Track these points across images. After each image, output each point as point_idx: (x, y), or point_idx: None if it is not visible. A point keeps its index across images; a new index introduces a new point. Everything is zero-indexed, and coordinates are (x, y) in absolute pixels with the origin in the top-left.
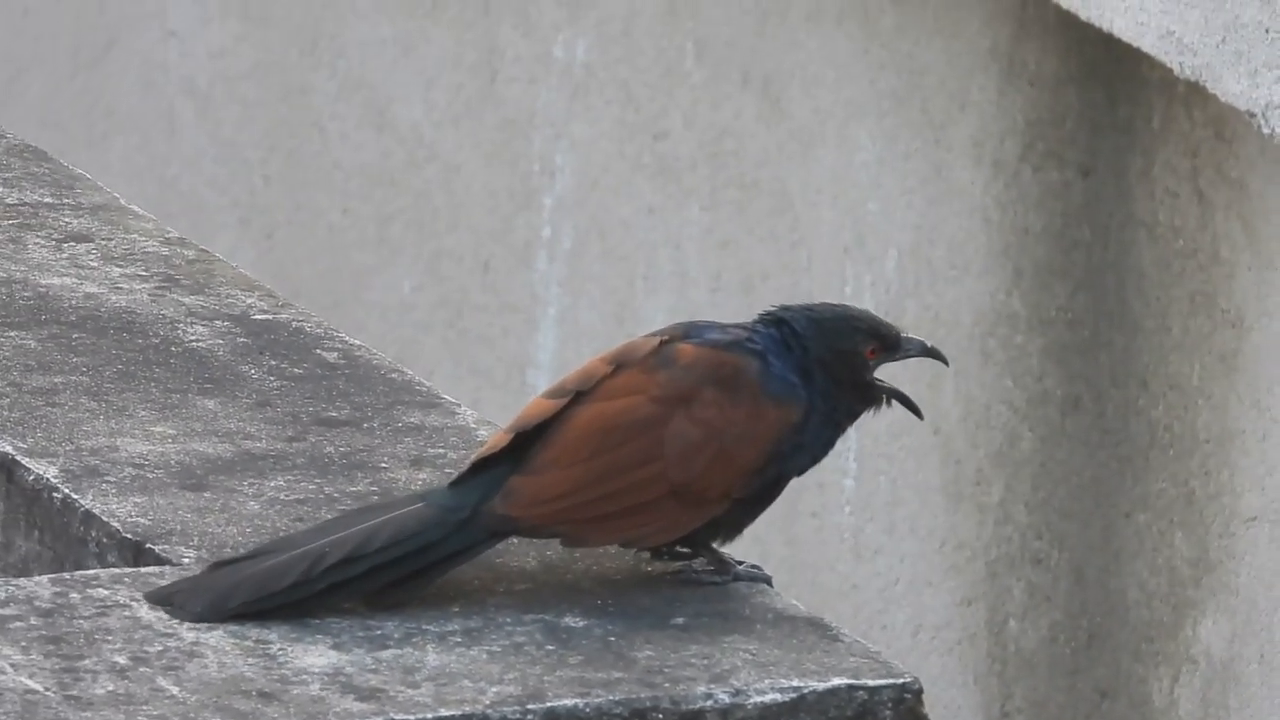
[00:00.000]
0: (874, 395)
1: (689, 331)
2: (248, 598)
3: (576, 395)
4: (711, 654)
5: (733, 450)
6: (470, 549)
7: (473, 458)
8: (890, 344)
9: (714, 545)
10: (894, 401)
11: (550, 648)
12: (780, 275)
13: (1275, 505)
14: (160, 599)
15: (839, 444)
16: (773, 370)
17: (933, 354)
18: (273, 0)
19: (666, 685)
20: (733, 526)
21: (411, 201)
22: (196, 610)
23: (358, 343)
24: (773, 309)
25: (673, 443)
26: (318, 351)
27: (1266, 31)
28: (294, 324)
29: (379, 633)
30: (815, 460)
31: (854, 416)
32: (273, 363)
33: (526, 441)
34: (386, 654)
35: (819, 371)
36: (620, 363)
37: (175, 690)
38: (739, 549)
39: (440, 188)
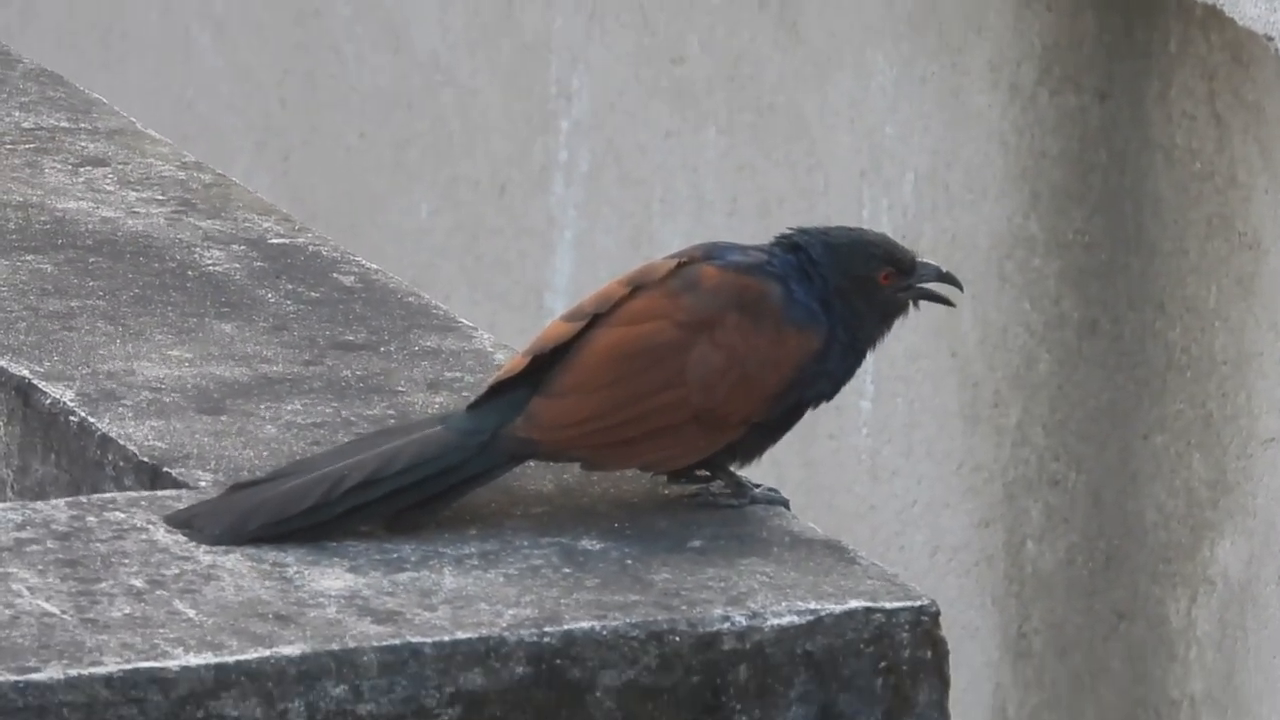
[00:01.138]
0: (895, 309)
1: (709, 253)
2: (266, 520)
3: (595, 318)
4: (728, 577)
5: (755, 376)
6: (489, 472)
7: (490, 381)
8: (905, 269)
9: (731, 469)
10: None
11: (567, 571)
12: (797, 199)
13: None
14: (179, 522)
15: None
16: (795, 296)
17: (948, 279)
18: None
19: (683, 608)
20: (750, 451)
21: (428, 125)
22: (215, 533)
23: (374, 266)
24: (789, 232)
25: (696, 368)
26: (334, 275)
27: None
28: (310, 248)
29: (396, 556)
30: (837, 387)
31: (875, 341)
32: (289, 286)
33: (545, 365)
34: (403, 577)
35: (836, 298)
36: (638, 285)
37: (192, 613)
38: (756, 472)
39: (457, 112)
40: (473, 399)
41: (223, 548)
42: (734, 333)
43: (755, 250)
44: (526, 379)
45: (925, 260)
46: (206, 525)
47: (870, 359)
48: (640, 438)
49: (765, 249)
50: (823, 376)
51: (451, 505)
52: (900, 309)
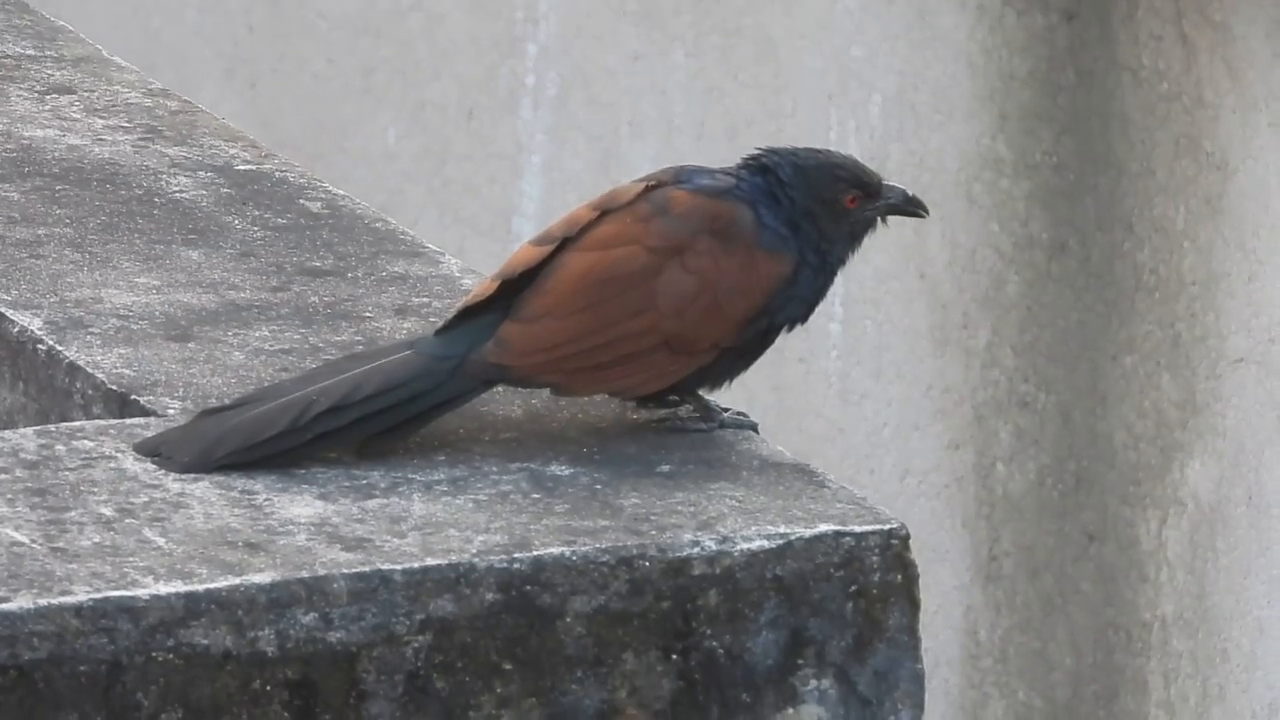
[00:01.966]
0: (862, 229)
1: (678, 176)
2: (235, 447)
3: (564, 242)
4: (698, 501)
5: (724, 301)
6: (459, 397)
7: (459, 305)
8: (871, 191)
9: (700, 393)
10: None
11: (536, 496)
12: (765, 121)
13: (1261, 347)
14: (148, 450)
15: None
16: (765, 221)
17: (913, 203)
18: None
19: (653, 533)
20: (720, 376)
21: (395, 51)
22: (184, 460)
23: (341, 193)
24: (758, 152)
25: (666, 293)
26: (301, 202)
27: None
28: (277, 174)
29: (365, 482)
30: (809, 310)
31: (844, 261)
32: (256, 213)
33: (514, 289)
34: (372, 504)
35: (804, 220)
36: (604, 209)
37: (162, 541)
38: (725, 396)
39: (423, 37)
40: (441, 324)
41: (191, 475)
42: (705, 257)
43: (724, 174)
44: (495, 303)
45: (891, 184)
46: (175, 453)
47: (839, 281)
48: (611, 363)
49: (733, 172)
50: (793, 300)
51: (420, 430)
52: (867, 227)
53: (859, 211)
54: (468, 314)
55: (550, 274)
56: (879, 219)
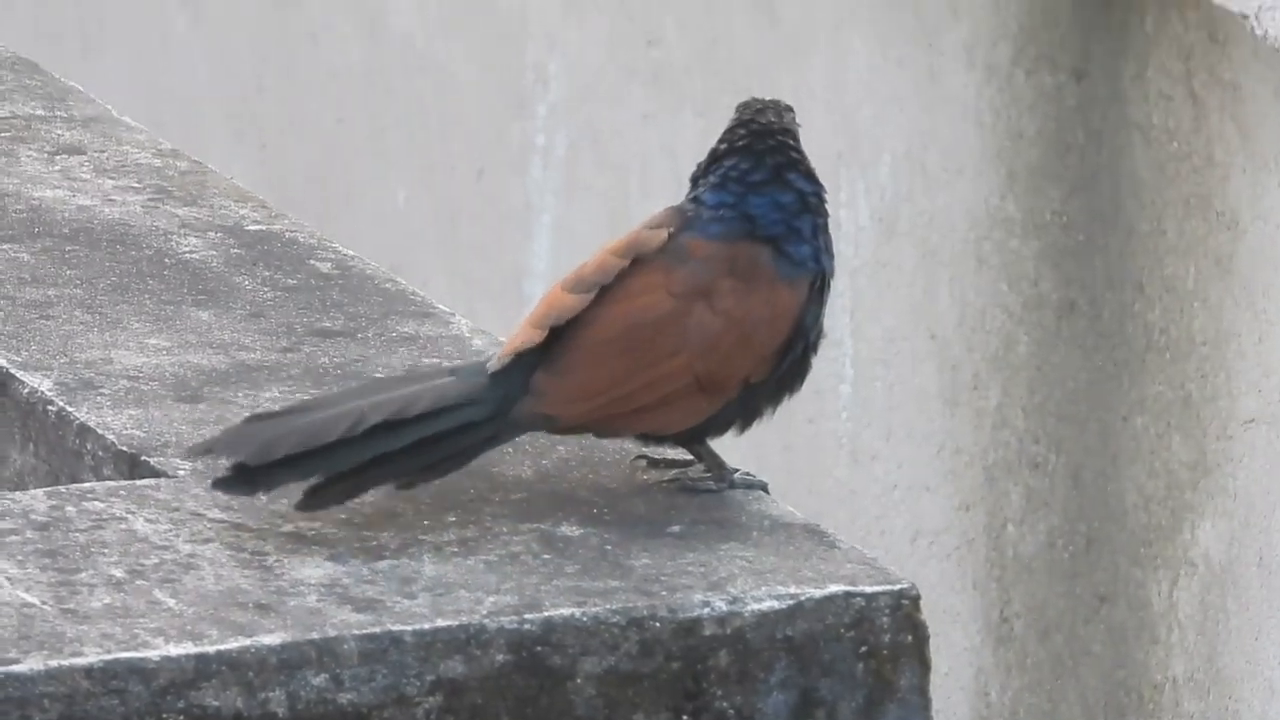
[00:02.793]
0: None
1: (686, 223)
2: (292, 450)
3: (599, 292)
4: (708, 562)
5: (752, 336)
6: (499, 437)
7: (508, 348)
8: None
9: (713, 450)
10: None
11: (547, 557)
12: None
13: (1272, 408)
14: (201, 450)
15: (835, 352)
16: (785, 252)
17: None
18: None
19: (663, 594)
20: (751, 412)
21: (405, 110)
22: (242, 457)
23: (351, 253)
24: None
25: (695, 334)
26: (311, 262)
27: None
28: (288, 234)
29: (375, 543)
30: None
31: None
32: (266, 274)
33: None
34: (383, 564)
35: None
36: (634, 256)
37: (172, 603)
38: (735, 457)
39: (434, 96)
40: (493, 363)
41: (202, 537)
42: (729, 298)
43: (710, 209)
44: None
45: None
46: (231, 451)
47: (849, 342)
48: (649, 405)
49: (701, 199)
50: (820, 313)
51: (464, 467)
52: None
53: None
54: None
55: (583, 326)
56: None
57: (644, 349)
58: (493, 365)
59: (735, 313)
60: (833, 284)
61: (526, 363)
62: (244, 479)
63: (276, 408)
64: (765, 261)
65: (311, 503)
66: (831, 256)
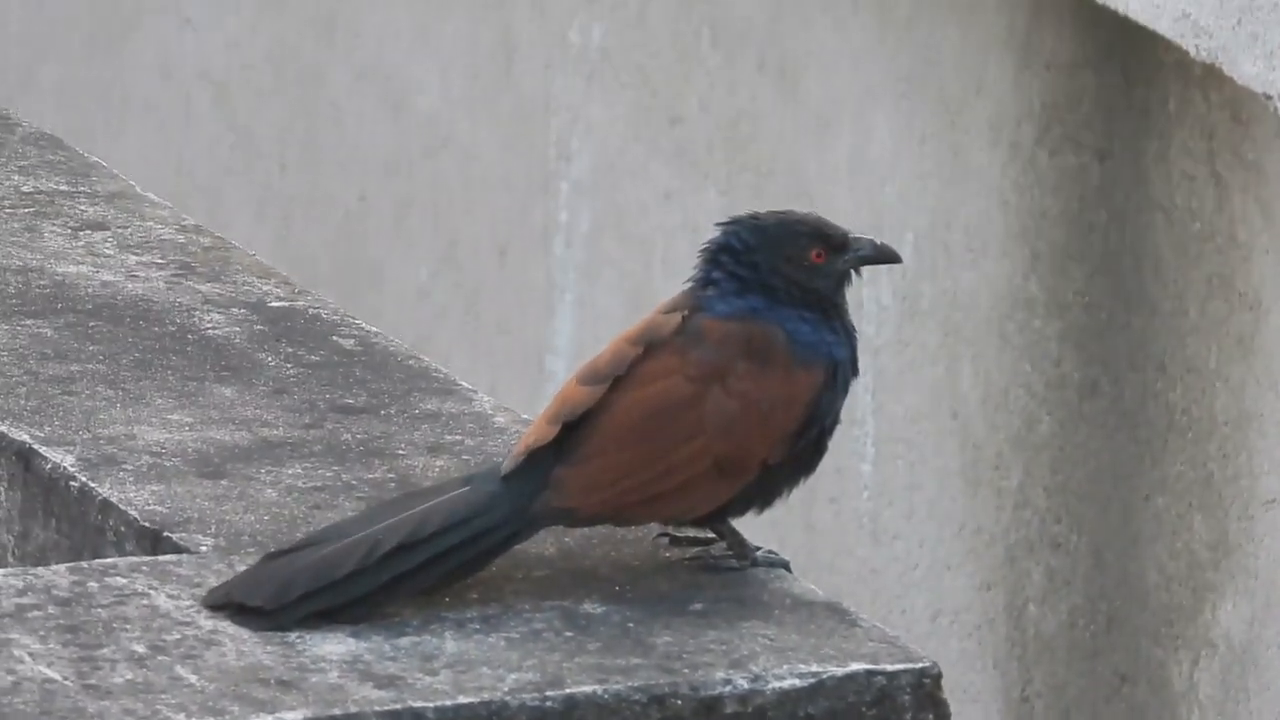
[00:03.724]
0: (837, 282)
1: (699, 304)
2: (309, 588)
3: (614, 381)
4: (730, 640)
5: (769, 418)
6: (518, 534)
7: (521, 447)
8: (837, 245)
9: (735, 529)
10: (862, 268)
11: (569, 634)
12: None
13: None
14: (218, 601)
15: (857, 431)
16: (796, 337)
17: (884, 253)
18: None
19: (685, 671)
20: (770, 493)
21: (428, 188)
22: (258, 603)
23: (374, 329)
24: (720, 227)
25: (713, 417)
26: (334, 338)
27: None
28: (310, 311)
29: (397, 620)
30: (847, 388)
31: (842, 308)
32: (289, 350)
33: (566, 430)
34: (405, 641)
35: (777, 280)
36: (647, 342)
37: (194, 679)
38: (757, 535)
39: (457, 173)
40: (507, 465)
41: (222, 613)
42: (745, 380)
43: (716, 283)
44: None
45: (859, 235)
46: (247, 597)
47: (870, 421)
48: (667, 492)
49: (704, 273)
50: (837, 402)
51: (484, 569)
52: (842, 280)
53: (828, 266)
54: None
55: (600, 414)
56: (852, 271)
57: (662, 433)
58: (506, 466)
59: (752, 394)
60: (855, 379)
61: (542, 460)
62: (264, 618)
63: (290, 544)
64: (780, 343)
65: (332, 620)
66: (848, 349)
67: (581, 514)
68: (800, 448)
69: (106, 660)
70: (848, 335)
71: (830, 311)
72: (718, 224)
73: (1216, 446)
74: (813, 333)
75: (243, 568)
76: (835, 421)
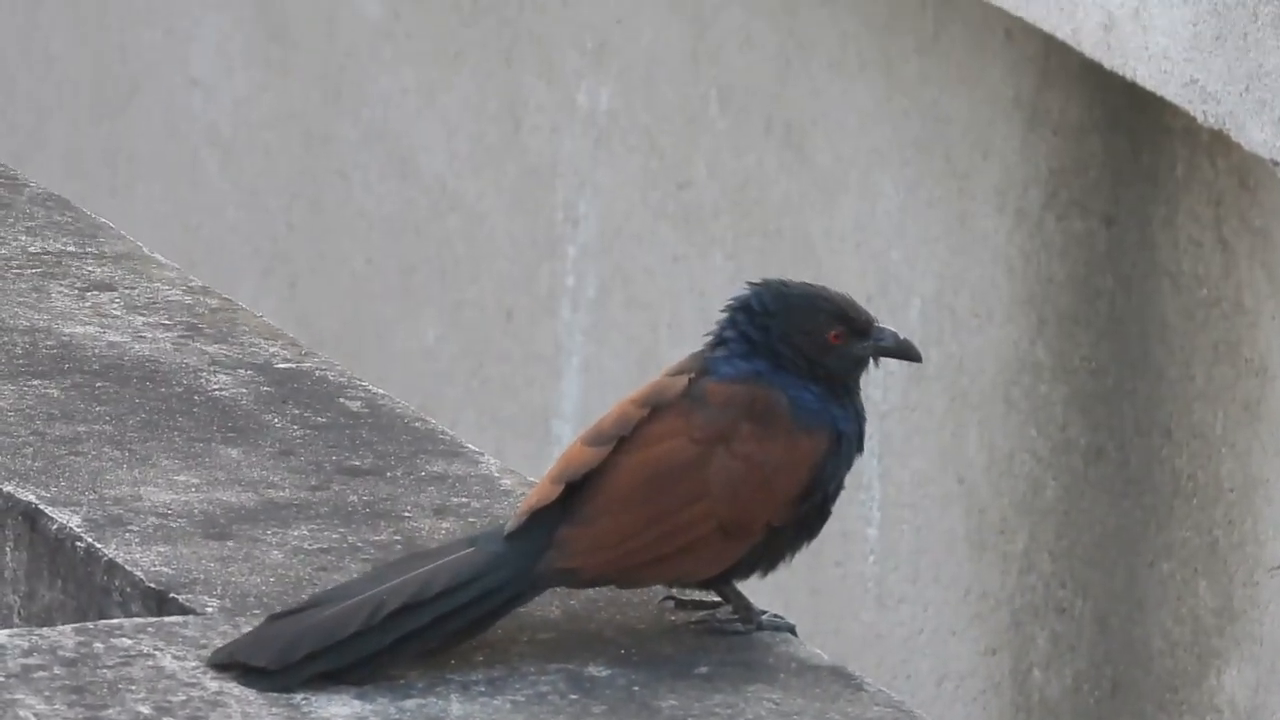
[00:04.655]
0: (852, 365)
1: (706, 366)
2: (314, 648)
3: (618, 442)
4: (735, 703)
5: (773, 481)
6: (522, 596)
7: (524, 507)
8: (859, 329)
9: (740, 593)
10: (881, 359)
11: (574, 697)
12: None
13: None
14: (222, 661)
15: (862, 496)
16: (799, 401)
17: (905, 348)
18: (296, 49)
19: None
20: (774, 556)
21: (435, 250)
22: (263, 663)
23: (381, 392)
24: (748, 285)
25: (717, 479)
26: (341, 400)
27: None
28: (317, 373)
29: (402, 682)
30: (851, 461)
31: (853, 394)
32: (296, 412)
33: (569, 490)
34: (410, 703)
35: (786, 348)
36: (653, 405)
37: None
38: (763, 599)
39: (463, 236)
40: (510, 525)
41: (230, 675)
42: (749, 443)
43: (729, 343)
44: (552, 505)
45: (883, 326)
46: (252, 657)
47: (877, 486)
48: (672, 553)
49: (721, 329)
50: (841, 468)
51: (487, 630)
52: (859, 365)
53: (844, 348)
54: (532, 516)
55: (604, 474)
56: (871, 359)
57: (666, 495)
58: (510, 526)
59: (756, 456)
60: (860, 449)
61: (545, 520)
62: (269, 679)
63: (295, 605)
64: (782, 407)
65: (337, 681)
66: (854, 425)
67: (586, 574)
68: (804, 512)
69: None
70: (855, 414)
71: (838, 390)
72: (749, 283)
73: (1222, 512)
74: (815, 401)
75: (248, 629)
76: (839, 488)
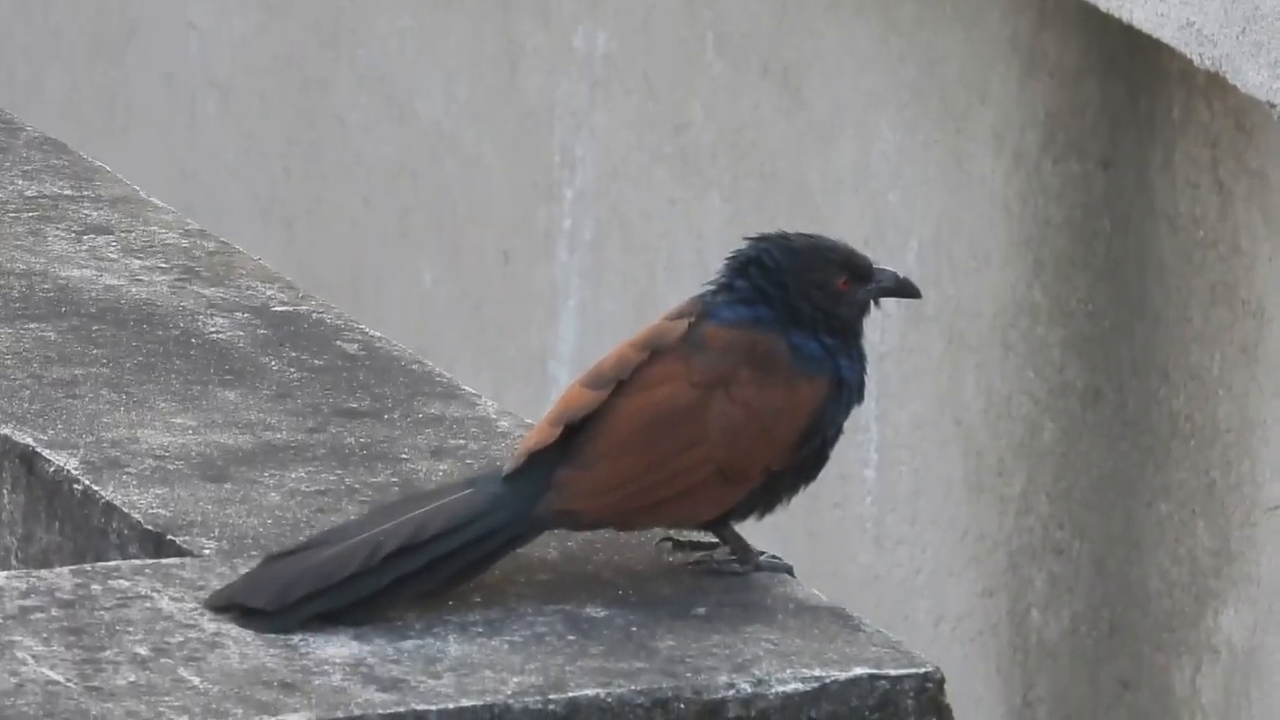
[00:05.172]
0: (858, 311)
1: (706, 310)
2: (312, 588)
3: (617, 386)
4: (733, 644)
5: (772, 427)
6: (520, 538)
7: (522, 448)
8: (862, 274)
9: (738, 534)
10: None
11: (571, 638)
12: None
13: None
14: (221, 603)
15: (860, 438)
16: (798, 346)
17: (905, 286)
18: None
19: (688, 675)
20: (772, 499)
21: (432, 194)
22: (260, 604)
23: (378, 334)
24: (746, 242)
25: (717, 424)
26: (338, 343)
27: None
28: (314, 316)
29: (400, 623)
30: (850, 409)
31: (860, 336)
32: (293, 354)
33: (568, 432)
34: (408, 644)
35: (802, 302)
36: (652, 348)
37: (197, 681)
38: (761, 540)
39: (460, 180)
40: (508, 466)
41: (226, 616)
42: (748, 387)
43: (737, 291)
44: (550, 447)
45: (883, 267)
46: (250, 598)
47: (874, 428)
48: (671, 497)
49: (724, 277)
50: (840, 413)
51: (484, 573)
52: (863, 310)
53: (851, 294)
54: (530, 458)
55: (603, 417)
56: (872, 301)
57: (665, 439)
58: (508, 467)
59: (754, 402)
60: (859, 405)
61: (544, 462)
62: (266, 620)
63: (293, 546)
64: (781, 352)
65: (334, 623)
66: (858, 373)
67: (585, 517)
68: (802, 456)
69: (109, 663)
70: (860, 362)
71: (849, 338)
72: (747, 239)
73: (1219, 453)
74: (819, 349)
75: (246, 570)
76: (838, 433)
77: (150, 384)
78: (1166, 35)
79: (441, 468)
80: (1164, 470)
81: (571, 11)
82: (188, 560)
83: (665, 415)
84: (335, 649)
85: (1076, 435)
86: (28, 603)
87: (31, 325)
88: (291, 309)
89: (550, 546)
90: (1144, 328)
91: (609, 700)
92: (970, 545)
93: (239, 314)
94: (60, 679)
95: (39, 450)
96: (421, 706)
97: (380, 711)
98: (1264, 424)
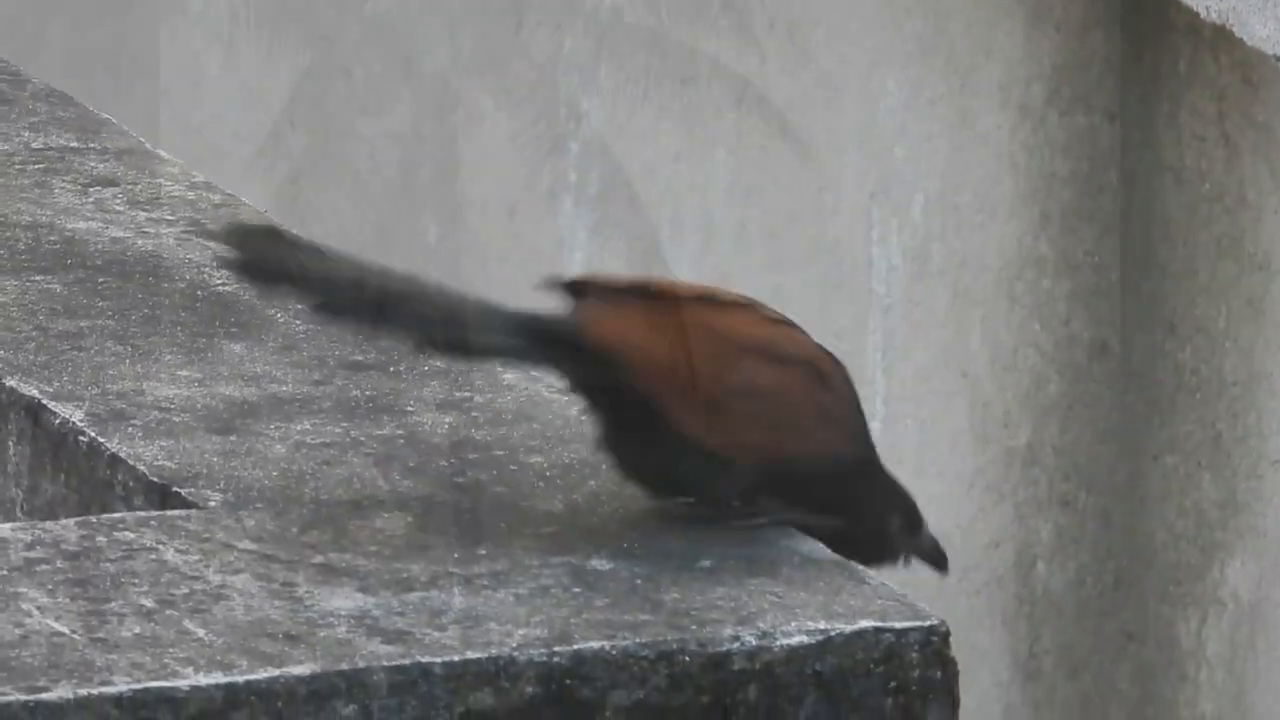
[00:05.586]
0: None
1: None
2: (305, 275)
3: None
4: (738, 596)
5: (780, 417)
6: (530, 347)
7: (581, 276)
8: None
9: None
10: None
11: (577, 590)
12: (806, 221)
13: None
14: (235, 241)
15: (866, 390)
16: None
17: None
18: None
19: (693, 628)
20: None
21: (437, 148)
22: (251, 256)
23: None
24: None
25: (741, 373)
26: None
27: None
28: None
29: (405, 576)
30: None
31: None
32: (298, 307)
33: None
34: (413, 596)
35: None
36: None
37: (202, 633)
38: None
39: (465, 134)
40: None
41: (232, 568)
42: (788, 376)
43: None
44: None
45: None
46: (242, 250)
47: (880, 380)
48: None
49: None
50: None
51: (484, 362)
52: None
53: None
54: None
55: (663, 303)
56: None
57: (724, 361)
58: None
59: (776, 389)
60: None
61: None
62: (250, 275)
63: (304, 239)
64: (837, 380)
65: (324, 316)
66: None
67: (595, 341)
68: (782, 464)
69: (114, 614)
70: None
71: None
72: None
73: (1225, 406)
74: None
75: (251, 522)
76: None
77: (156, 336)
78: None
79: (447, 420)
80: (1170, 423)
81: None
82: (193, 512)
83: (789, 391)
84: (340, 601)
85: (1082, 388)
86: (33, 554)
87: (37, 278)
88: None
89: (556, 499)
90: (1150, 281)
91: (614, 653)
92: (976, 497)
93: None
94: (65, 630)
95: (45, 402)
96: (426, 659)
97: (385, 664)
98: (1270, 377)
